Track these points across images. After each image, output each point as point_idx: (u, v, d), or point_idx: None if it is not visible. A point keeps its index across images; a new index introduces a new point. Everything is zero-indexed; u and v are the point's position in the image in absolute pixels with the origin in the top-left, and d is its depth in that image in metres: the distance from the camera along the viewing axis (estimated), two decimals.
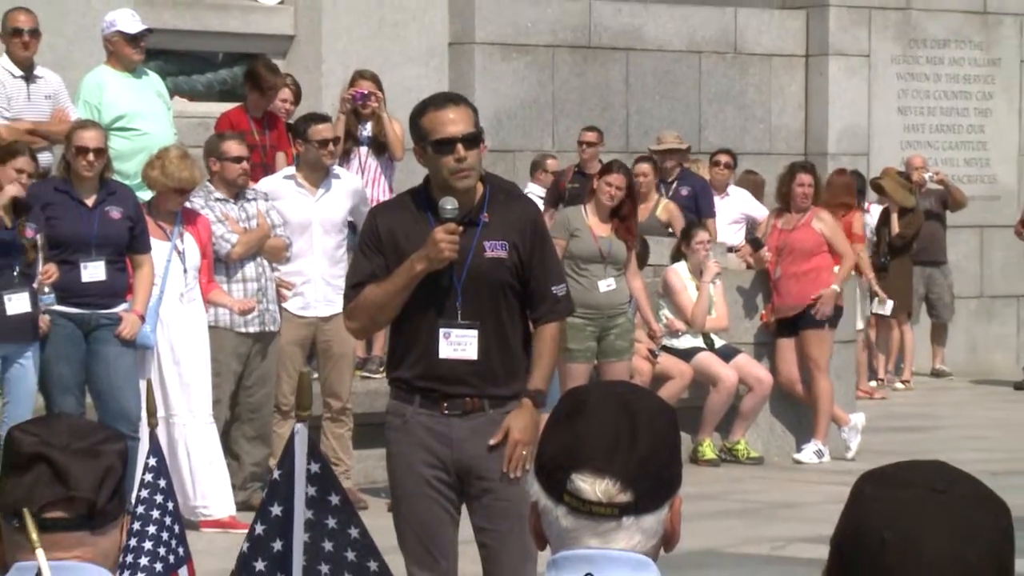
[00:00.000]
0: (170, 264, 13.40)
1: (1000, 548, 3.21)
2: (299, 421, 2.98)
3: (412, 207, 8.44)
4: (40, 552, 4.00)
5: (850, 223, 20.54)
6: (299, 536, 2.98)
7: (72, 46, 16.01)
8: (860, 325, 20.00)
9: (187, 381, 13.45)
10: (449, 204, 8.10)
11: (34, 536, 4.05)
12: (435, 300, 8.21)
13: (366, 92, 16.08)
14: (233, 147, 14.12)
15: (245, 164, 14.23)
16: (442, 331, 8.20)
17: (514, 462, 8.17)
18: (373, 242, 8.39)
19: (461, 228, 8.12)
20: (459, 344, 8.19)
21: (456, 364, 8.20)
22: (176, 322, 13.41)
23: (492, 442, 8.14)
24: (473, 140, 8.24)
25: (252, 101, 16.08)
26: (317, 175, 14.53)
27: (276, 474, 3.02)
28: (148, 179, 13.56)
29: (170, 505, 4.15)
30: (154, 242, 13.38)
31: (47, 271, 12.35)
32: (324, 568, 3.00)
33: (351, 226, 14.78)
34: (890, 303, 21.35)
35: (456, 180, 8.19)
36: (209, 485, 13.33)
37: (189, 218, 13.58)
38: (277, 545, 2.99)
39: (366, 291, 8.24)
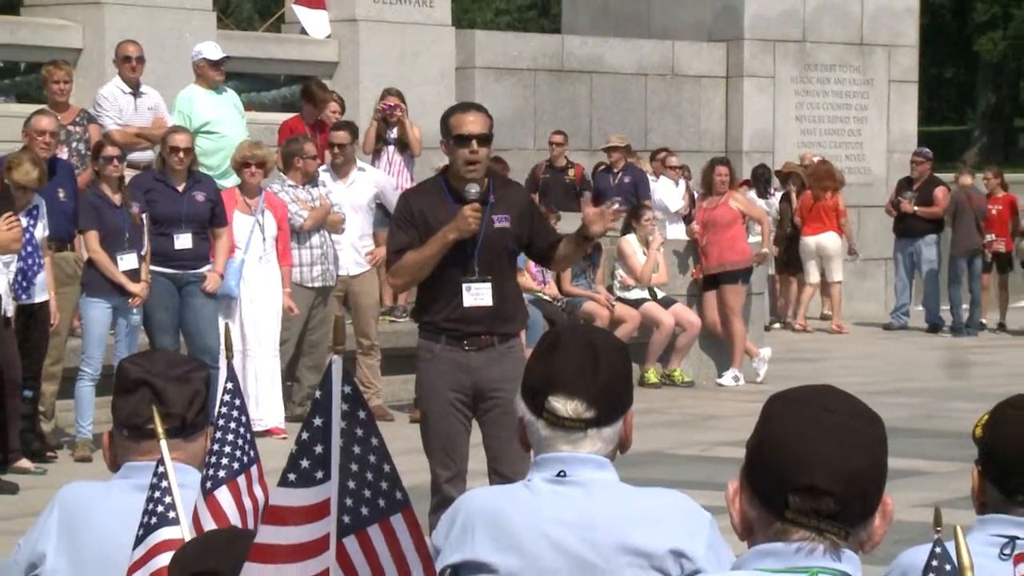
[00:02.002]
0: (252, 233, 13.36)
1: (877, 452, 3.19)
2: (335, 354, 2.96)
3: (435, 192, 8.45)
4: (164, 443, 3.97)
5: (836, 201, 20.64)
6: (335, 442, 2.94)
7: (169, 69, 15.94)
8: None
9: (260, 324, 13.39)
10: (473, 188, 8.14)
11: (160, 430, 4.03)
12: (458, 261, 8.22)
13: (392, 105, 16.07)
14: (311, 148, 14.12)
15: (317, 161, 14.25)
16: (464, 285, 8.23)
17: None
18: (407, 219, 8.38)
19: (479, 206, 8.15)
20: (478, 294, 8.25)
21: (475, 310, 8.23)
22: (255, 278, 13.35)
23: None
24: (485, 139, 8.25)
25: (307, 112, 16.07)
26: (346, 168, 14.54)
27: (318, 394, 2.97)
28: (235, 163, 13.61)
29: (243, 419, 4.11)
30: (241, 216, 13.38)
31: (138, 298, 12.35)
32: (353, 467, 2.96)
33: (381, 208, 14.76)
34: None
35: (467, 171, 8.21)
36: (266, 402, 13.31)
37: (270, 200, 13.54)
38: (318, 448, 2.95)
39: (407, 256, 8.25)
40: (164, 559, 3.83)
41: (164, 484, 3.92)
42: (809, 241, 21.02)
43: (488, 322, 8.24)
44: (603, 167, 19.89)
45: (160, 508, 3.90)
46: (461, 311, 8.24)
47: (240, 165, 13.48)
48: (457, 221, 8.10)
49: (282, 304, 13.43)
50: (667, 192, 19.70)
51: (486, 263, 8.30)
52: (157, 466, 3.95)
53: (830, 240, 20.97)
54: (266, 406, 13.23)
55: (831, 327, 21.15)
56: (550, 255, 8.78)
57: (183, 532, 3.87)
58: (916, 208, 21.04)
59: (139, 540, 3.90)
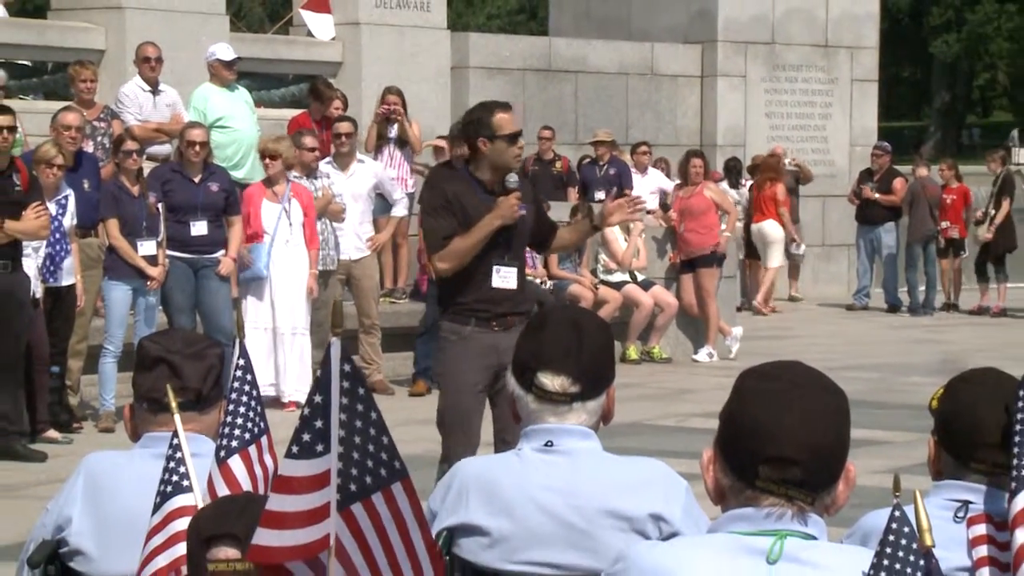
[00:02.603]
0: (280, 220, 13.33)
1: (841, 424, 3.20)
2: (334, 335, 2.97)
3: (463, 180, 8.32)
4: (177, 417, 3.98)
5: (775, 191, 20.58)
6: (335, 418, 2.93)
7: (185, 69, 15.90)
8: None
9: (286, 303, 13.34)
10: (512, 178, 8.12)
11: (174, 405, 4.04)
12: (493, 246, 8.16)
13: (391, 108, 16.07)
14: (309, 141, 14.05)
15: (317, 152, 14.18)
16: (495, 268, 8.17)
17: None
18: (444, 206, 8.25)
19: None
20: (506, 277, 8.20)
21: (503, 291, 8.17)
22: (282, 261, 13.30)
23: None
24: (516, 138, 8.25)
25: (313, 108, 16.04)
26: (346, 159, 14.48)
27: (319, 372, 2.98)
28: (260, 151, 13.65)
29: (254, 393, 4.11)
30: (268, 205, 13.35)
31: (155, 280, 12.37)
32: (356, 440, 2.96)
33: (380, 197, 14.76)
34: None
35: (515, 162, 8.27)
36: (293, 377, 13.23)
37: (296, 189, 13.50)
38: (318, 424, 2.95)
39: (455, 242, 8.12)
40: (179, 524, 3.84)
41: (179, 455, 3.93)
42: (754, 228, 21.04)
43: (512, 303, 8.19)
44: (588, 160, 19.91)
45: (175, 477, 3.92)
46: (490, 293, 8.17)
47: (262, 157, 13.48)
48: (502, 209, 8.05)
49: (307, 285, 13.41)
50: (662, 181, 19.87)
51: (515, 249, 8.30)
52: (172, 438, 3.96)
53: (769, 227, 20.90)
54: (291, 381, 13.17)
55: (764, 309, 20.97)
56: (548, 241, 8.82)
57: (196, 499, 3.88)
58: (877, 195, 21.05)
59: (156, 507, 3.92)
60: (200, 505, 3.83)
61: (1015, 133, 47.59)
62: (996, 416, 4.01)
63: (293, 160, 13.75)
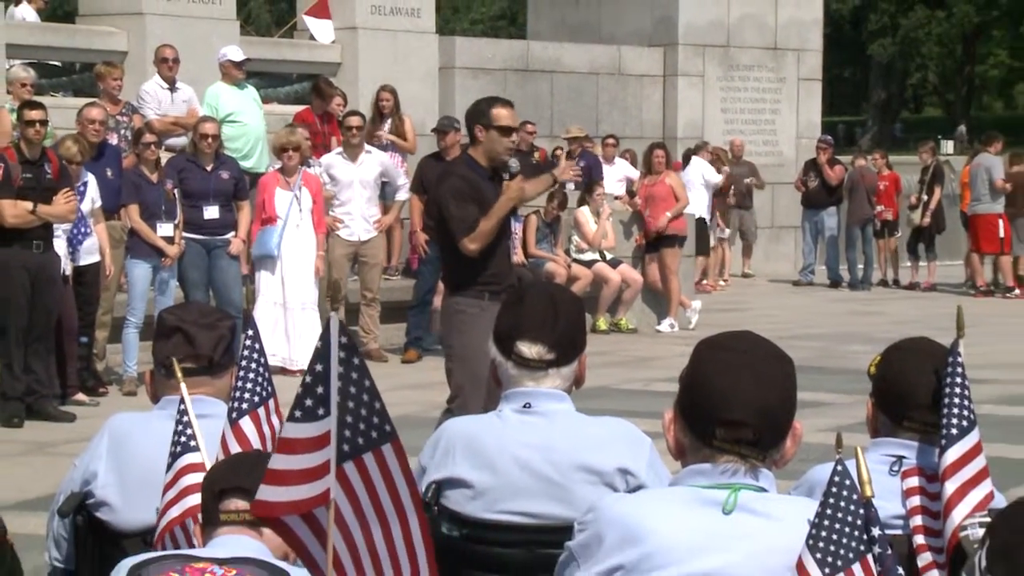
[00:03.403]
0: (291, 205, 13.28)
1: (788, 388, 3.20)
2: (333, 310, 2.99)
3: (471, 171, 8.27)
4: (183, 385, 3.99)
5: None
6: (334, 384, 2.92)
7: (199, 69, 15.85)
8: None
9: (296, 280, 13.29)
10: (514, 163, 8.18)
11: (179, 375, 4.05)
12: (505, 230, 8.20)
13: (383, 103, 16.03)
14: (302, 132, 13.99)
15: (309, 143, 14.05)
16: (508, 246, 8.27)
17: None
18: (467, 195, 8.18)
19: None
20: (514, 253, 8.24)
21: (508, 265, 8.21)
22: (292, 243, 13.26)
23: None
24: (512, 132, 8.25)
25: (316, 105, 15.98)
26: (355, 150, 14.39)
27: (318, 344, 2.97)
28: (275, 149, 13.59)
29: (262, 360, 4.11)
30: (281, 192, 13.29)
31: (170, 259, 12.35)
32: (350, 404, 2.95)
33: (385, 183, 14.71)
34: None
35: (508, 154, 8.22)
36: (302, 347, 13.15)
37: (306, 178, 13.46)
38: (319, 390, 2.94)
39: (481, 226, 8.07)
40: (188, 479, 3.86)
41: (185, 419, 3.94)
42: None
43: (512, 275, 8.20)
44: (561, 151, 19.89)
45: (183, 438, 3.94)
46: (499, 268, 8.14)
47: (279, 150, 13.43)
48: (512, 192, 8.08)
49: (314, 265, 13.40)
50: (629, 171, 19.93)
51: (510, 227, 8.31)
52: (179, 403, 3.96)
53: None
54: (300, 350, 13.13)
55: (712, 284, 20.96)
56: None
57: (203, 457, 3.88)
58: (827, 170, 20.99)
59: (169, 466, 3.93)
60: (206, 462, 3.84)
61: (963, 128, 47.67)
62: (926, 380, 4.02)
63: (308, 151, 13.76)
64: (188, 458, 3.90)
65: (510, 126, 8.16)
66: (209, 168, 12.78)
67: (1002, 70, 66.43)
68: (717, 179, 20.15)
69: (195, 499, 3.74)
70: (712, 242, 20.68)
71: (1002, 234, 20.09)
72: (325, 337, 2.92)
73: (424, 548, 3.10)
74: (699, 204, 19.38)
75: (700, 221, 19.32)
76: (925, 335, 4.22)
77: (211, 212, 12.75)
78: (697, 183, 19.70)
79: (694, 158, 20.27)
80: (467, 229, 8.18)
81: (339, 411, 2.93)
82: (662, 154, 17.32)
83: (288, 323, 13.21)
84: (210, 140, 12.78)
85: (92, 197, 11.92)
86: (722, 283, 21.13)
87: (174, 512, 3.85)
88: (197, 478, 3.80)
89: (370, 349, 13.81)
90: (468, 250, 8.22)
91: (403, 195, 14.85)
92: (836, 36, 52.58)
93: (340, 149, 14.50)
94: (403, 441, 3.05)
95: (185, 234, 12.54)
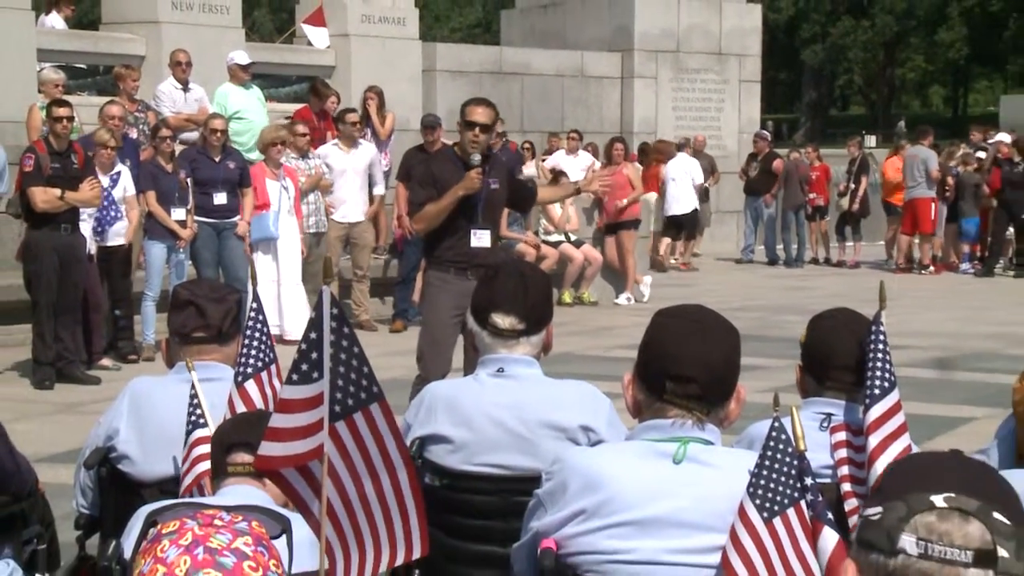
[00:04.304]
0: (280, 194, 13.20)
1: (731, 352, 3.21)
2: (325, 284, 2.96)
3: (447, 158, 8.22)
4: (194, 374, 4.03)
5: (656, 171, 20.49)
6: (327, 350, 2.91)
7: (209, 71, 15.77)
8: (652, 228, 19.91)
9: (285, 259, 13.26)
10: (476, 157, 7.94)
11: (190, 365, 4.10)
12: (467, 213, 8.03)
13: (367, 101, 15.94)
14: (301, 129, 13.95)
15: (308, 137, 14.04)
16: (472, 230, 8.05)
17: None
18: (427, 179, 8.18)
19: (481, 171, 8.00)
20: (481, 238, 8.07)
21: (478, 249, 8.04)
22: (282, 227, 13.23)
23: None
24: (486, 128, 8.03)
25: (313, 103, 15.90)
26: (349, 142, 14.36)
27: (312, 314, 2.96)
28: (263, 143, 13.49)
29: (265, 330, 4.10)
30: (271, 183, 13.22)
31: (184, 240, 12.32)
32: (341, 369, 2.94)
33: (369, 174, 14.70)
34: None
35: (470, 147, 8.01)
36: (291, 317, 13.14)
37: (288, 170, 13.40)
38: (314, 355, 2.93)
39: (427, 208, 8.03)
40: (198, 450, 3.90)
41: (195, 401, 3.95)
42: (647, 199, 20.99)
43: (483, 257, 7.99)
44: (530, 145, 19.90)
45: (194, 417, 3.94)
46: (469, 250, 8.03)
47: (269, 144, 13.37)
48: (465, 181, 7.92)
49: (299, 247, 13.36)
50: (569, 163, 19.85)
51: (487, 214, 8.14)
52: (191, 389, 3.97)
53: (652, 199, 20.92)
54: (291, 320, 13.10)
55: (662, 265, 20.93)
56: (529, 202, 8.81)
57: (210, 431, 3.88)
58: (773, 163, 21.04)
59: (184, 440, 3.94)
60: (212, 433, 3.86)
61: (902, 124, 47.64)
62: (845, 345, 4.03)
63: (307, 145, 13.75)
64: (197, 433, 3.92)
65: (472, 120, 8.05)
66: (217, 159, 12.74)
67: (918, 73, 66.54)
68: (700, 180, 20.25)
69: (204, 466, 3.78)
70: (654, 225, 20.73)
71: (933, 216, 20.17)
72: (319, 309, 2.92)
73: (413, 497, 3.09)
74: (688, 197, 19.96)
75: (693, 212, 20.17)
76: (851, 307, 4.23)
77: (220, 198, 12.70)
78: (684, 178, 19.83)
79: (680, 154, 20.30)
80: (416, 210, 8.20)
81: (331, 375, 2.92)
82: (621, 147, 17.33)
83: (281, 298, 13.18)
84: (219, 134, 12.73)
85: (124, 186, 11.88)
86: (672, 260, 21.13)
87: (188, 480, 3.88)
88: (205, 449, 3.82)
89: (361, 320, 13.79)
90: (415, 229, 8.28)
91: (379, 190, 14.82)
92: (773, 43, 52.55)
93: (335, 141, 14.46)
94: (391, 401, 3.04)
95: (197, 218, 12.50)
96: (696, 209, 20.25)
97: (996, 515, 1.92)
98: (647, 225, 17.82)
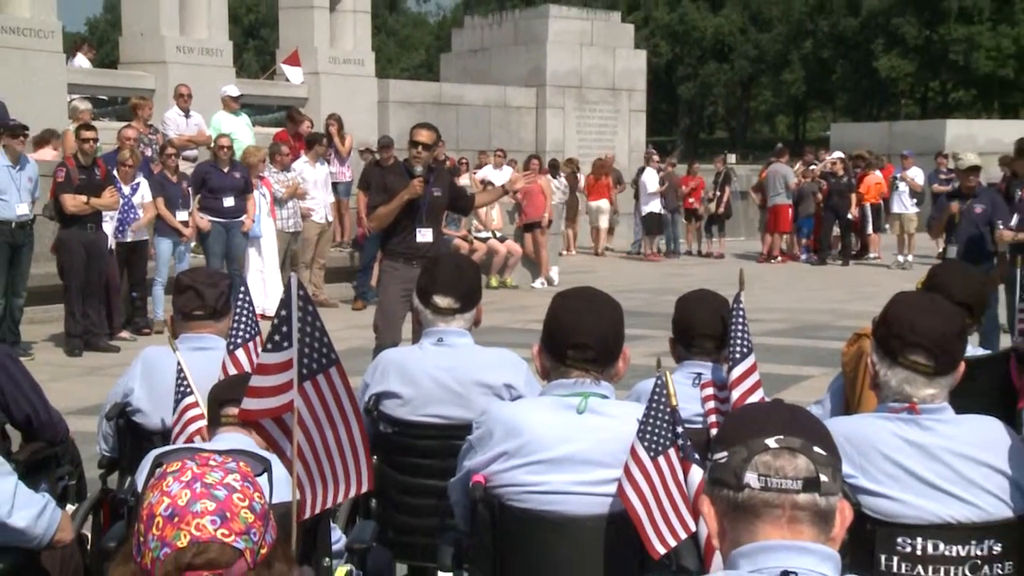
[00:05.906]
0: (260, 201, 13.03)
1: (617, 324, 3.21)
2: (293, 271, 2.95)
3: (398, 171, 8.16)
4: (179, 354, 3.90)
5: (608, 182, 20.50)
6: (295, 324, 2.88)
7: (206, 102, 15.58)
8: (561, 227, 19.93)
9: (268, 253, 13.13)
10: (418, 168, 7.91)
11: (171, 342, 3.98)
12: (413, 214, 7.98)
13: (328, 127, 15.77)
14: (284, 149, 13.83)
15: (289, 156, 13.91)
16: (417, 229, 8.01)
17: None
18: (380, 185, 8.15)
19: (423, 180, 7.94)
20: (425, 235, 8.03)
21: (423, 243, 8.00)
22: (264, 228, 13.11)
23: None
24: (427, 146, 7.96)
25: (290, 128, 15.73)
26: (317, 160, 14.29)
27: (283, 296, 2.93)
28: (247, 157, 13.34)
29: (251, 308, 4.05)
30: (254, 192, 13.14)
31: (186, 237, 12.16)
32: (307, 340, 2.92)
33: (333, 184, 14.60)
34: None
35: (414, 161, 7.96)
36: (273, 298, 12.97)
37: (264, 181, 13.24)
38: (284, 328, 2.90)
39: (379, 209, 8.00)
40: (187, 414, 3.81)
41: (182, 374, 3.86)
42: (591, 204, 21.06)
43: (427, 250, 7.97)
44: (466, 160, 19.82)
45: (181, 388, 3.86)
46: (415, 244, 7.98)
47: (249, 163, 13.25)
48: (408, 190, 7.89)
49: (275, 243, 13.27)
50: (495, 175, 19.87)
51: (430, 216, 8.07)
52: (177, 366, 3.87)
53: (603, 204, 21.01)
54: (272, 300, 12.96)
55: (600, 252, 21.11)
56: (468, 207, 8.62)
57: (197, 398, 3.81)
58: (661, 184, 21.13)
59: (174, 409, 3.86)
60: (200, 401, 3.78)
61: (780, 145, 47.88)
62: (704, 318, 4.03)
63: (288, 160, 13.66)
64: (185, 401, 3.85)
65: (417, 140, 7.98)
66: (226, 170, 12.62)
67: (768, 105, 67.20)
68: (655, 187, 20.21)
69: (192, 427, 3.73)
70: (605, 223, 20.94)
71: (790, 218, 20.39)
72: (288, 291, 2.90)
73: (363, 443, 3.09)
74: (653, 202, 20.16)
75: (654, 215, 20.22)
76: (715, 289, 4.24)
77: (228, 202, 12.59)
78: (651, 187, 19.96)
79: (647, 168, 20.42)
80: (370, 211, 8.19)
81: (298, 344, 2.90)
82: (536, 163, 17.36)
83: (265, 283, 13.09)
84: (225, 150, 12.68)
85: (143, 194, 11.81)
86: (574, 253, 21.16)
87: (180, 441, 3.81)
88: (192, 414, 3.76)
89: (321, 299, 13.72)
90: (370, 227, 8.25)
91: (330, 198, 14.65)
92: (655, 80, 52.73)
93: (306, 159, 14.35)
94: (351, 365, 3.02)
95: (211, 218, 12.41)
96: (657, 213, 20.38)
97: (816, 448, 1.96)
98: (558, 226, 17.81)
